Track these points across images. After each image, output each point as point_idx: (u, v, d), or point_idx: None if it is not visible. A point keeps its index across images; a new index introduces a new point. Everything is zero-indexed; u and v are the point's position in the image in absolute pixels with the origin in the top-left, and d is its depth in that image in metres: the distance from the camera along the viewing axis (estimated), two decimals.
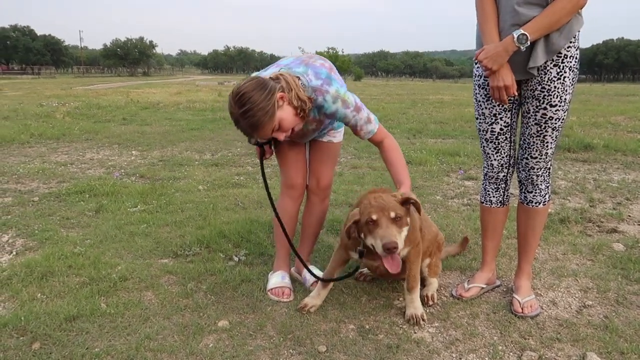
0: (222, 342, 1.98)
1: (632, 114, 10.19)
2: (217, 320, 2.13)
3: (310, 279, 2.44)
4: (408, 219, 1.97)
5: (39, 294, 2.33)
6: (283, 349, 1.95)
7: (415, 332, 2.07)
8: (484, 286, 2.40)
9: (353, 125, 2.13)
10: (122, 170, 5.08)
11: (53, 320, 2.08)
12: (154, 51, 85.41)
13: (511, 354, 1.92)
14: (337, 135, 2.43)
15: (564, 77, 1.99)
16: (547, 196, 2.24)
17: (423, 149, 6.17)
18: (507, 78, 1.97)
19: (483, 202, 2.38)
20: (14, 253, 2.86)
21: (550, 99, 2.02)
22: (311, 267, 2.40)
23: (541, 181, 2.20)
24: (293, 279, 2.50)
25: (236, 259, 2.78)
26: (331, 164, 2.48)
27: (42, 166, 5.18)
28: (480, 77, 2.16)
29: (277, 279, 2.40)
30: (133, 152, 6.18)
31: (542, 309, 2.26)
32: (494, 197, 2.33)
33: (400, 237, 1.90)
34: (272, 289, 2.35)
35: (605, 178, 4.80)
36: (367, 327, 2.11)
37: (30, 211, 3.62)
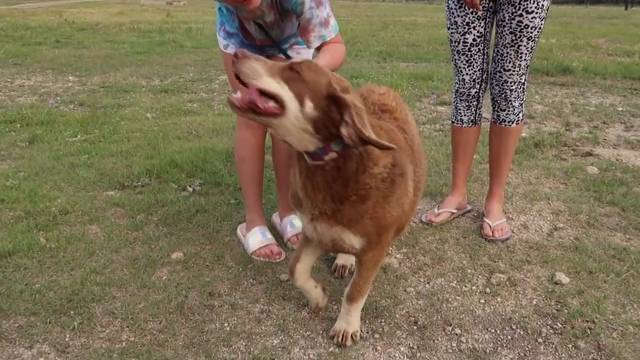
0: (177, 274, 1.98)
1: (614, 36, 10.29)
2: (170, 253, 2.12)
3: (290, 231, 2.25)
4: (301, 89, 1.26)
5: None
6: (243, 279, 1.96)
7: None
8: (455, 211, 2.46)
9: (306, 20, 1.79)
10: (58, 98, 4.83)
11: None
12: None
13: (480, 276, 2.00)
14: (303, 52, 2.11)
15: None
16: (520, 115, 2.26)
17: (394, 73, 6.10)
18: None
19: (454, 122, 2.38)
20: None
21: (527, 4, 1.99)
22: (293, 217, 2.25)
23: (514, 97, 2.20)
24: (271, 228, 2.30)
25: (190, 189, 2.74)
26: None
27: None
28: None
29: (258, 237, 2.15)
30: (70, 77, 5.87)
31: (513, 232, 2.35)
32: (465, 115, 2.33)
33: (270, 82, 1.23)
34: (256, 251, 2.12)
35: (583, 102, 4.90)
36: (332, 255, 2.14)
37: None
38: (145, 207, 2.51)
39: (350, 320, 1.65)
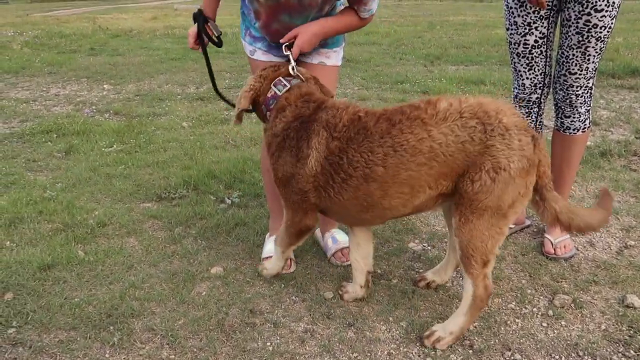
0: (217, 289, 2.03)
1: None
2: (209, 267, 2.18)
3: (332, 247, 2.28)
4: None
5: (8, 242, 2.37)
6: (285, 296, 2.00)
7: None
8: (512, 226, 2.42)
9: None
10: (93, 107, 5.03)
11: (26, 270, 2.13)
12: None
13: (541, 297, 1.97)
14: (332, 55, 2.15)
15: None
16: (587, 122, 2.22)
17: (442, 77, 6.07)
18: None
19: None
20: None
21: (596, 2, 1.95)
22: (336, 232, 2.31)
23: (581, 103, 2.17)
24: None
25: (228, 201, 2.80)
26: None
27: (0, 104, 5.14)
28: None
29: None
30: (105, 86, 6.10)
31: (577, 250, 2.30)
32: None
33: None
34: (267, 257, 2.20)
35: None
36: (379, 272, 2.15)
37: None
38: (183, 219, 2.59)
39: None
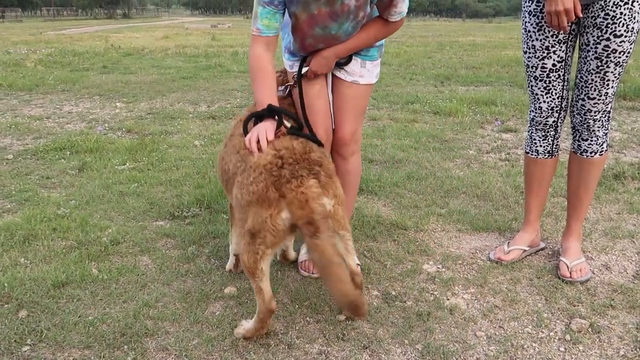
0: (230, 309, 2.03)
1: None
2: (223, 287, 2.18)
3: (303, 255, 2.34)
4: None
5: (22, 259, 2.38)
6: (299, 317, 1.99)
7: (448, 299, 2.10)
8: (527, 249, 2.41)
9: None
10: (106, 125, 5.09)
11: (40, 287, 2.14)
12: None
13: (558, 321, 1.95)
14: (365, 74, 2.18)
15: (633, 1, 1.93)
16: (604, 145, 2.22)
17: (453, 98, 6.10)
18: (568, 0, 1.90)
19: (528, 153, 2.36)
20: None
21: (615, 27, 1.96)
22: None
23: (598, 127, 2.17)
24: None
25: None
26: (354, 113, 2.21)
27: (14, 120, 5.21)
28: (532, 2, 2.10)
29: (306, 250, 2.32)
30: (117, 104, 6.18)
31: (594, 273, 2.28)
32: (541, 146, 2.31)
33: None
34: (302, 262, 2.31)
35: None
36: (394, 293, 2.14)
37: (5, 170, 3.66)
38: (197, 238, 2.59)
39: None
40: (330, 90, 2.22)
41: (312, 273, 2.26)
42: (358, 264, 2.30)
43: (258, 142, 1.78)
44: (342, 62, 2.14)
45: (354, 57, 2.15)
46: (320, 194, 1.68)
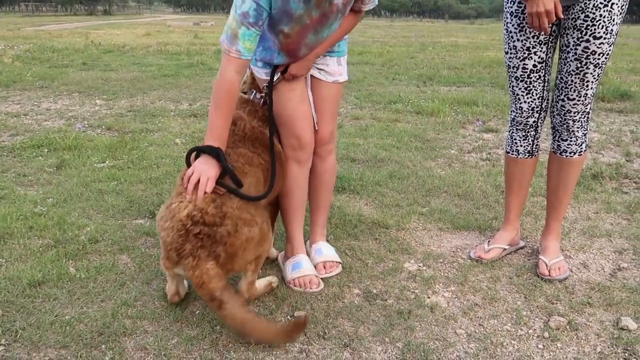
0: (211, 308, 2.01)
1: None
2: None
3: (318, 257, 2.30)
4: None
5: None
6: (279, 316, 1.99)
7: (428, 297, 2.11)
8: (507, 247, 2.44)
9: None
10: (85, 122, 5.02)
11: (15, 286, 2.10)
12: None
13: (537, 319, 1.97)
14: (343, 71, 2.21)
15: (612, 4, 1.95)
16: (583, 145, 2.25)
17: (435, 98, 6.14)
18: (549, 1, 1.92)
19: (509, 152, 2.38)
20: None
21: (595, 29, 1.99)
22: (322, 245, 2.36)
23: (578, 127, 2.19)
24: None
25: None
26: (333, 112, 2.24)
27: None
28: (514, 3, 2.12)
29: (300, 266, 2.21)
30: (97, 101, 6.10)
31: (572, 271, 2.31)
32: (521, 146, 2.33)
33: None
34: (295, 279, 2.17)
35: None
36: (375, 291, 2.15)
37: None
38: None
39: None
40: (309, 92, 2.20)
41: (308, 288, 2.15)
42: (339, 262, 2.30)
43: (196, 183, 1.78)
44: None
45: (329, 56, 2.15)
46: (217, 274, 1.75)
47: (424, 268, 2.35)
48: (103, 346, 1.78)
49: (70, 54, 10.79)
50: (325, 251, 2.33)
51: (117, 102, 6.07)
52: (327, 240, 2.45)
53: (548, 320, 1.96)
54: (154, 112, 5.49)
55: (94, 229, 2.63)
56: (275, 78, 2.06)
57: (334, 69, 2.17)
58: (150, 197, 3.07)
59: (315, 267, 2.25)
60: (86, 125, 4.88)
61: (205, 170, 1.79)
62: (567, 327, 1.93)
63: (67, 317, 1.93)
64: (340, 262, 2.32)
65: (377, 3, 2.03)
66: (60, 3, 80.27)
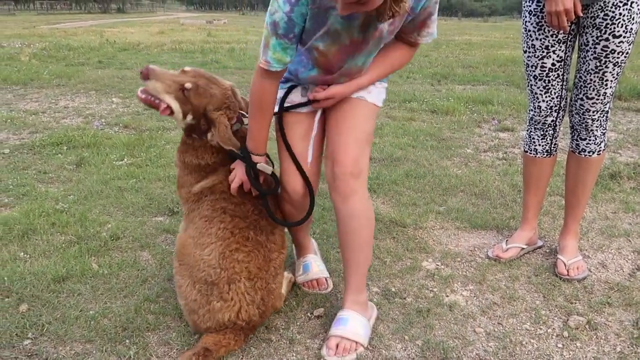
0: None
1: None
2: None
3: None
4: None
5: (22, 253, 2.39)
6: (299, 313, 2.01)
7: (447, 296, 2.13)
8: (525, 247, 2.44)
9: (427, 14, 1.68)
10: (103, 120, 5.08)
11: (40, 281, 2.15)
12: None
13: (556, 318, 1.98)
14: (373, 90, 1.87)
15: (632, 3, 1.95)
16: (602, 144, 2.25)
17: (450, 97, 6.13)
18: (568, 0, 1.92)
19: (527, 151, 2.38)
20: None
21: (614, 28, 1.99)
22: (350, 314, 1.87)
23: (597, 126, 2.19)
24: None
25: None
26: (356, 136, 1.80)
27: (9, 115, 5.18)
28: (533, 2, 2.12)
29: (308, 268, 2.21)
30: (113, 99, 6.16)
31: (590, 271, 2.31)
32: (539, 145, 2.33)
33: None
34: (304, 282, 2.18)
35: None
36: (393, 290, 2.16)
37: (2, 164, 3.65)
38: None
39: None
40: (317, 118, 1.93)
41: (317, 290, 2.16)
42: (359, 342, 1.83)
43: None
44: None
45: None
46: None
47: (442, 267, 2.36)
48: (127, 341, 1.82)
49: (86, 52, 10.89)
50: (351, 326, 1.82)
51: (134, 100, 6.12)
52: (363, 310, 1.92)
53: (567, 320, 1.96)
54: None
55: (114, 226, 2.67)
56: (288, 98, 1.89)
57: None
58: (169, 194, 3.11)
59: (328, 340, 1.81)
60: (104, 123, 4.94)
61: (240, 175, 1.84)
62: (587, 326, 1.93)
63: (91, 312, 1.97)
64: (363, 345, 1.81)
65: (435, 36, 1.75)
66: (74, 1, 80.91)
